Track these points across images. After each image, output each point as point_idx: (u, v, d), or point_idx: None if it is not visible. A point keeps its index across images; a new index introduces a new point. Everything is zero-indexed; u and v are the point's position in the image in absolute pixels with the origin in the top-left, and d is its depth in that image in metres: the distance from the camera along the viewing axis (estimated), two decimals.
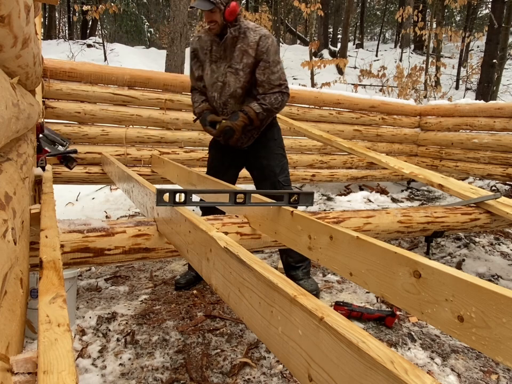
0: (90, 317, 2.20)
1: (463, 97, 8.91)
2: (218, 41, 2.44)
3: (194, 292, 2.57)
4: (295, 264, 2.59)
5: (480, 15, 16.97)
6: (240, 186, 2.76)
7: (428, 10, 12.58)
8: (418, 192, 5.35)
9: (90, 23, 16.40)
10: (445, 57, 13.42)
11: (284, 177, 2.60)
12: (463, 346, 2.07)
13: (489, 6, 11.36)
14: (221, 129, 2.42)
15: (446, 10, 14.68)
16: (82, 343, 1.99)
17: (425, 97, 10.06)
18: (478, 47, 14.37)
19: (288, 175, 2.67)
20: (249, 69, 2.43)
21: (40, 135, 2.61)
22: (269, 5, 15.04)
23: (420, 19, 10.11)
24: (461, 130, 4.86)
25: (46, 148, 2.59)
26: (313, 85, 10.04)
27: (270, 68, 2.41)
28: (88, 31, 16.32)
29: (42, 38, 6.94)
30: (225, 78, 2.45)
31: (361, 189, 5.28)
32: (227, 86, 2.46)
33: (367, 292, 2.62)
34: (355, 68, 13.09)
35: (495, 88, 10.16)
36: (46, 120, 3.26)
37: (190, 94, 3.88)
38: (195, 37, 2.58)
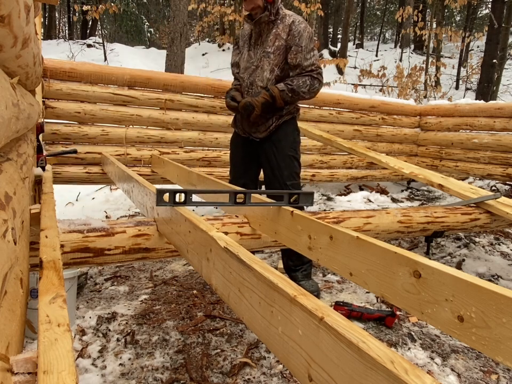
0: (90, 317, 2.20)
1: (463, 97, 8.91)
2: (254, 26, 2.50)
3: (194, 292, 2.57)
4: (294, 267, 2.58)
5: (480, 15, 16.97)
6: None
7: (428, 10, 12.59)
8: (418, 192, 5.35)
9: (90, 23, 16.40)
10: (445, 57, 13.42)
11: (292, 182, 2.52)
12: (463, 346, 2.07)
13: (489, 6, 11.36)
14: (242, 104, 2.46)
15: (446, 10, 14.68)
16: (82, 343, 1.99)
17: (425, 97, 10.07)
18: (478, 47, 14.37)
19: (298, 179, 2.58)
20: (279, 51, 2.46)
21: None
22: None
23: (419, 19, 10.11)
24: (461, 130, 4.86)
25: None
26: None
27: (302, 52, 2.41)
28: (88, 31, 16.33)
29: (42, 38, 6.94)
30: (259, 62, 2.52)
31: (361, 189, 5.28)
32: (259, 69, 2.52)
33: (367, 292, 2.62)
34: (355, 68, 13.09)
35: (495, 88, 10.16)
36: (46, 120, 3.26)
37: (190, 94, 3.91)
38: (240, 30, 2.72)
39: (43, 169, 2.32)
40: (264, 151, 2.59)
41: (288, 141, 2.56)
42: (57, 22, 20.89)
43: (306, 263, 2.58)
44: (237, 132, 2.73)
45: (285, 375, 1.78)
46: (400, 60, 13.49)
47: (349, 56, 13.54)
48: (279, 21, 2.46)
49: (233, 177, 2.76)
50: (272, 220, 1.65)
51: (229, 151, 4.19)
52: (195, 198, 1.58)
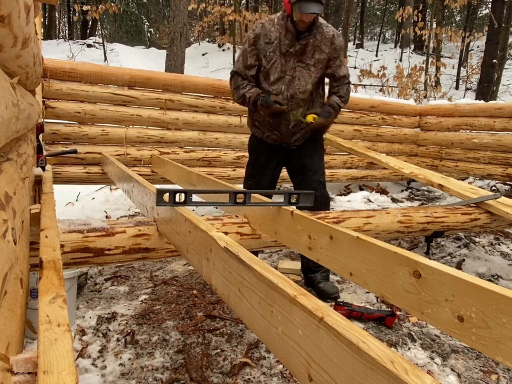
0: (90, 317, 2.20)
1: (463, 97, 8.91)
2: (292, 34, 2.37)
3: (194, 292, 2.57)
4: (314, 268, 2.58)
5: (480, 15, 16.96)
6: (240, 186, 2.76)
7: (428, 10, 12.59)
8: (418, 192, 5.35)
9: (90, 23, 16.40)
10: (445, 57, 13.41)
11: (323, 178, 2.65)
12: (463, 346, 2.07)
13: (489, 6, 11.36)
14: (316, 126, 2.45)
15: (446, 10, 14.68)
16: (82, 343, 1.99)
17: (425, 97, 10.06)
18: (478, 47, 14.36)
19: (325, 176, 2.72)
20: (320, 65, 2.45)
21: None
22: (269, 5, 15.04)
23: (419, 19, 10.11)
24: (461, 130, 4.86)
25: None
26: None
27: (342, 63, 2.50)
28: (88, 31, 16.33)
29: (42, 38, 6.94)
30: (295, 72, 2.43)
31: (361, 189, 5.28)
32: (296, 80, 2.45)
33: (367, 292, 2.62)
34: (355, 67, 13.08)
35: (495, 88, 10.16)
36: (46, 120, 3.26)
37: (190, 94, 3.89)
38: (258, 23, 2.49)
39: (43, 169, 2.32)
40: (297, 153, 2.61)
41: (320, 142, 2.71)
42: (57, 22, 20.89)
43: None
44: (264, 139, 2.63)
45: (285, 375, 1.78)
46: (400, 60, 13.49)
47: (349, 56, 13.54)
48: (314, 31, 2.39)
49: (257, 181, 2.69)
50: (272, 220, 1.65)
51: (228, 151, 4.18)
52: (195, 198, 1.58)
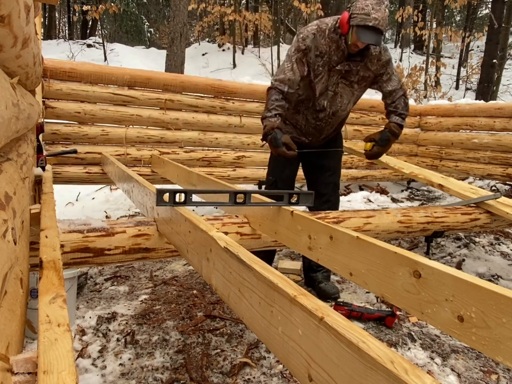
0: (90, 317, 2.20)
1: (463, 97, 8.91)
2: (343, 53, 2.25)
3: (194, 292, 2.57)
4: (316, 268, 2.57)
5: (480, 15, 16.95)
6: (240, 186, 2.76)
7: (428, 10, 12.58)
8: (418, 192, 5.35)
9: (90, 23, 16.40)
10: (445, 57, 13.41)
11: (338, 180, 2.63)
12: (463, 346, 2.07)
13: (489, 6, 11.36)
14: (373, 154, 2.39)
15: (446, 10, 14.68)
16: (82, 343, 1.99)
17: (425, 97, 10.06)
18: (478, 47, 14.36)
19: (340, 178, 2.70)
20: (364, 83, 2.36)
21: None
22: (269, 5, 15.03)
23: (419, 19, 10.11)
24: (461, 130, 4.85)
25: None
26: None
27: (391, 76, 2.38)
28: (88, 31, 16.33)
29: (42, 38, 6.94)
30: (337, 88, 2.34)
31: (361, 189, 5.28)
32: (339, 97, 2.37)
33: (367, 292, 2.62)
34: None
35: (495, 88, 10.16)
36: (46, 120, 3.26)
37: (190, 94, 3.88)
38: (309, 33, 2.27)
39: (43, 169, 2.32)
40: (315, 153, 2.56)
41: (338, 144, 2.69)
42: (57, 22, 20.89)
43: None
44: (297, 137, 2.56)
45: (285, 375, 1.78)
46: (400, 60, 13.48)
47: None
48: (365, 53, 2.29)
49: (279, 177, 2.60)
50: (272, 220, 1.65)
51: (228, 151, 4.18)
52: (195, 198, 1.58)
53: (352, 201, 4.63)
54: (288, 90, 2.27)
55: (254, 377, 1.77)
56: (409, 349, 2.03)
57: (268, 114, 2.26)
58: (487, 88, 9.62)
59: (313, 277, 2.58)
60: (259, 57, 12.99)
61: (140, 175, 2.43)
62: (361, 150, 3.39)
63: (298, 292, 0.77)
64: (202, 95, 3.88)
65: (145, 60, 11.58)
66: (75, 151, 3.22)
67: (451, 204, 2.59)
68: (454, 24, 17.57)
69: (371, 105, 4.91)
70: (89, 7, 10.76)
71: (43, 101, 3.22)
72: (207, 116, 3.92)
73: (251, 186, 4.35)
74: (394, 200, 4.86)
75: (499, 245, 3.39)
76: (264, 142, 2.25)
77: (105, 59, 11.22)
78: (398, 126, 2.38)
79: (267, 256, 2.57)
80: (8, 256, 0.67)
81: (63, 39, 15.28)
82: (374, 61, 2.31)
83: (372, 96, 5.28)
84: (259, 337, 0.89)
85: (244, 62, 12.92)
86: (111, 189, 4.64)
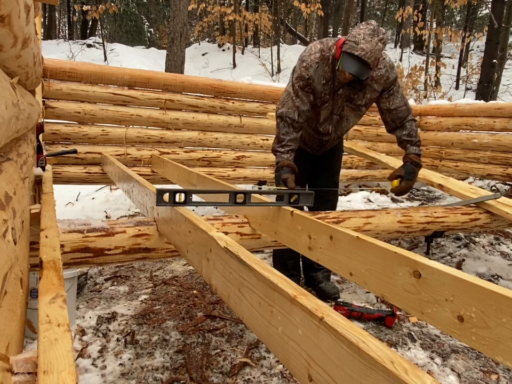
0: (90, 317, 2.20)
1: (463, 97, 8.91)
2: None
3: (194, 292, 2.57)
4: (317, 266, 2.57)
5: (480, 15, 16.95)
6: (240, 186, 2.76)
7: (428, 10, 12.58)
8: (418, 192, 5.35)
9: (90, 23, 16.40)
10: (445, 57, 13.40)
11: (338, 178, 2.69)
12: (463, 346, 2.07)
13: (489, 6, 11.36)
14: (402, 190, 2.21)
15: (446, 10, 14.67)
16: (82, 343, 1.99)
17: (425, 97, 10.05)
18: (478, 47, 14.36)
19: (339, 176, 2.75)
20: (370, 103, 2.31)
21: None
22: (269, 5, 15.04)
23: (419, 19, 10.11)
24: (461, 130, 4.85)
25: None
26: None
27: (394, 93, 2.24)
28: (88, 31, 16.33)
29: (42, 38, 6.94)
30: (342, 112, 2.29)
31: (361, 189, 5.28)
32: (344, 121, 2.33)
33: (367, 292, 2.62)
34: None
35: (495, 88, 10.16)
36: (46, 120, 3.26)
37: (190, 94, 3.88)
38: (312, 62, 2.16)
39: (43, 169, 2.32)
40: (324, 154, 2.58)
41: (341, 145, 2.71)
42: (57, 22, 20.89)
43: None
44: (302, 147, 2.51)
45: (285, 375, 1.78)
46: (400, 60, 13.48)
47: None
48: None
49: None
50: (272, 220, 1.65)
51: (228, 151, 4.19)
52: (195, 198, 1.58)
53: (352, 201, 4.64)
54: (299, 119, 2.18)
55: (254, 377, 1.77)
56: (409, 349, 2.03)
57: (280, 149, 2.16)
58: (487, 88, 9.62)
59: (314, 276, 2.58)
60: (259, 57, 13.00)
61: (140, 175, 2.43)
62: (361, 150, 3.39)
63: (298, 292, 0.77)
64: (202, 95, 3.88)
65: (145, 60, 11.59)
66: (75, 151, 3.22)
67: (451, 204, 2.59)
68: (454, 24, 17.57)
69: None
70: (89, 7, 10.76)
71: (43, 101, 3.22)
72: (207, 116, 3.92)
73: (251, 186, 4.35)
74: (394, 200, 4.86)
75: (499, 245, 3.39)
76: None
77: (105, 59, 11.22)
78: (418, 156, 2.25)
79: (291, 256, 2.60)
80: (8, 256, 0.67)
81: (63, 39, 15.28)
82: (381, 81, 2.20)
83: None
84: (259, 337, 0.89)
85: (244, 62, 12.93)
86: (111, 189, 4.64)
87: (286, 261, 2.65)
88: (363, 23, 2.07)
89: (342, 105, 2.27)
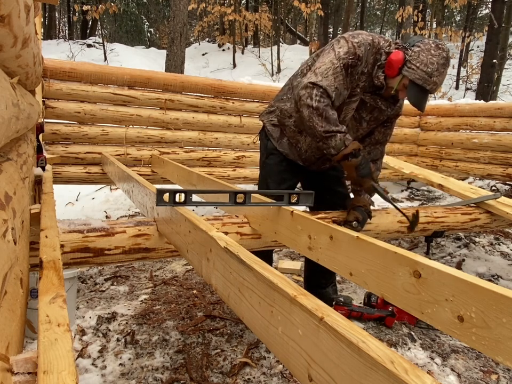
0: (90, 317, 2.20)
1: (463, 97, 8.90)
2: (377, 87, 1.90)
3: (194, 292, 2.57)
4: (326, 285, 2.38)
5: (480, 15, 16.94)
6: (240, 186, 2.76)
7: (428, 10, 12.58)
8: (418, 192, 5.35)
9: (90, 23, 16.39)
10: None
11: (346, 189, 2.32)
12: (463, 346, 2.07)
13: (489, 6, 11.35)
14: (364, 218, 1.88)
15: (446, 10, 14.67)
16: (82, 343, 1.99)
17: None
18: (478, 47, 14.35)
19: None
20: (374, 123, 2.03)
21: None
22: (269, 5, 15.04)
23: (419, 19, 10.12)
24: (461, 130, 4.85)
25: None
26: None
27: (388, 129, 2.10)
28: (88, 31, 16.32)
29: (42, 38, 6.94)
30: (346, 117, 1.96)
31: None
32: (356, 131, 2.07)
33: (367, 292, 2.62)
34: None
35: (495, 88, 10.15)
36: (46, 120, 3.26)
37: (190, 94, 3.87)
38: (365, 41, 1.79)
39: (43, 169, 2.32)
40: (327, 177, 2.25)
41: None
42: (57, 22, 20.88)
43: (332, 275, 2.39)
44: (291, 157, 2.16)
45: (285, 375, 1.78)
46: None
47: None
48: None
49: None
50: (272, 220, 1.65)
51: (228, 151, 4.18)
52: (195, 198, 1.58)
53: None
54: (335, 102, 1.77)
55: (254, 377, 1.77)
56: (409, 349, 2.03)
57: (335, 128, 1.69)
58: (487, 88, 9.61)
59: (324, 293, 2.33)
60: (259, 57, 13.00)
61: (140, 175, 2.43)
62: None
63: (298, 292, 0.77)
64: (202, 95, 3.88)
65: (145, 60, 11.58)
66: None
67: (451, 204, 2.59)
68: (454, 24, 17.55)
69: None
70: (89, 7, 10.76)
71: (43, 101, 3.22)
72: (207, 115, 3.92)
73: (251, 187, 4.35)
74: (394, 200, 4.86)
75: (499, 245, 3.39)
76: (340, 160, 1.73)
77: (105, 59, 11.21)
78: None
79: (265, 255, 2.42)
80: (8, 256, 0.67)
81: (63, 39, 15.27)
82: (392, 106, 2.00)
83: None
84: (259, 337, 0.89)
85: (243, 62, 12.93)
86: (111, 189, 4.64)
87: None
88: (432, 44, 1.72)
89: (350, 110, 1.95)
